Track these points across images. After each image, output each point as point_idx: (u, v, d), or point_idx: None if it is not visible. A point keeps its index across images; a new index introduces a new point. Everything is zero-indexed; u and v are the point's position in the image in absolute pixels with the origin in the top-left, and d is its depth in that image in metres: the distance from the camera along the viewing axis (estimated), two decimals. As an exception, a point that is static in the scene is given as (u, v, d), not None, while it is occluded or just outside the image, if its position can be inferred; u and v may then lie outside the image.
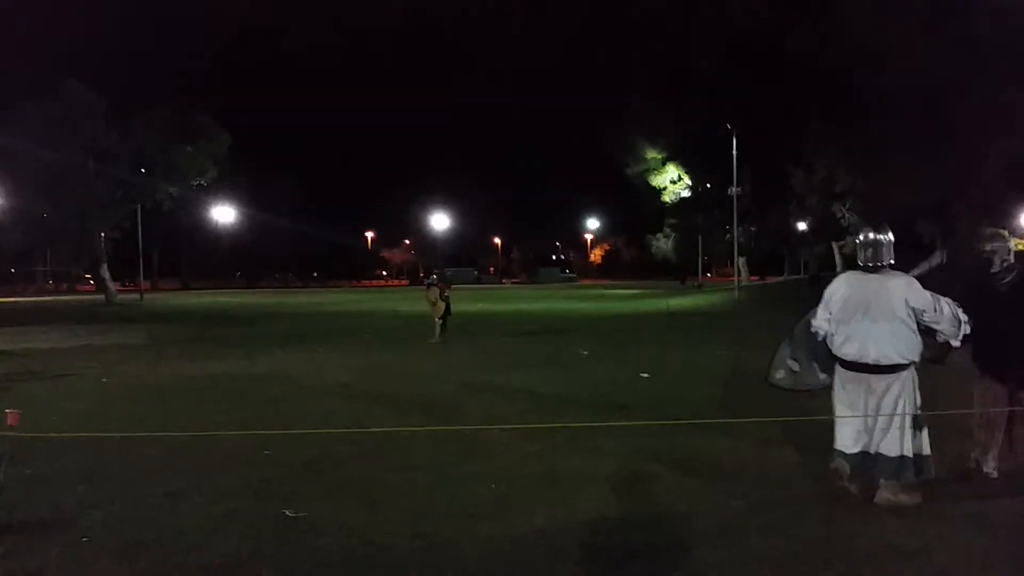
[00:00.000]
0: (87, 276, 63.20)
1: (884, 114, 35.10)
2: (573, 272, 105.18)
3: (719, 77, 50.86)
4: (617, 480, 5.68)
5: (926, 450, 4.86)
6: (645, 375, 11.33)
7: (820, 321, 5.16)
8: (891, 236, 5.02)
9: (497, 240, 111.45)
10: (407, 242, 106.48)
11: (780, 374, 5.42)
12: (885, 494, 4.85)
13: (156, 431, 7.47)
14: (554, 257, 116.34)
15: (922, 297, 4.83)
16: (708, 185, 57.60)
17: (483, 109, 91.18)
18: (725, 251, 56.57)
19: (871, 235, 5.03)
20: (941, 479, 5.11)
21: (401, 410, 8.70)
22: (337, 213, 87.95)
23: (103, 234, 43.37)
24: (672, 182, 60.82)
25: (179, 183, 44.43)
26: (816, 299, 5.31)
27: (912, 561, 4.05)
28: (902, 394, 4.83)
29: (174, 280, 79.53)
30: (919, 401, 4.94)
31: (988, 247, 5.44)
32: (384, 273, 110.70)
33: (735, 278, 44.91)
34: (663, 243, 66.49)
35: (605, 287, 67.12)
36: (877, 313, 4.81)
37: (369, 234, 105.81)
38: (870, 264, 5.01)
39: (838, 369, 5.09)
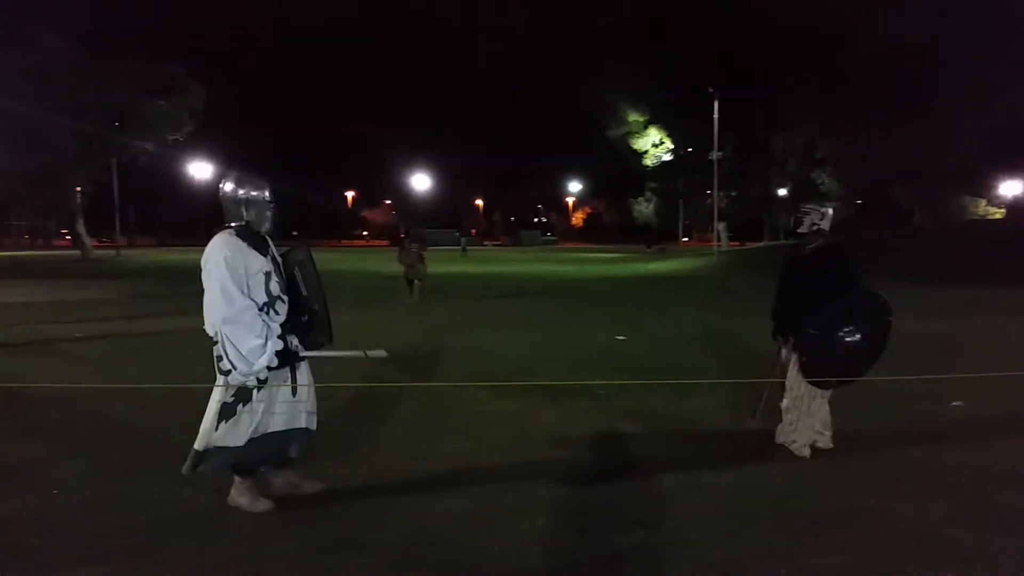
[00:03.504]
0: (63, 232, 62.31)
1: (861, 79, 35.02)
2: (554, 235, 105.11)
3: (696, 33, 50.22)
4: (591, 438, 5.75)
5: (219, 442, 4.17)
6: (621, 337, 11.40)
7: None
8: (254, 194, 4.27)
9: (479, 202, 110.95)
10: (388, 202, 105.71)
11: None
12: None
13: (130, 384, 7.43)
14: (536, 220, 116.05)
15: (206, 260, 4.12)
16: (690, 149, 57.65)
17: (460, 71, 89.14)
18: (706, 216, 56.69)
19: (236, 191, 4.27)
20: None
21: (376, 367, 8.69)
22: (317, 172, 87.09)
23: (78, 188, 42.47)
24: (654, 145, 60.79)
25: (153, 137, 43.68)
26: None
27: (871, 518, 4.16)
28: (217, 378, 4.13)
29: (152, 237, 78.62)
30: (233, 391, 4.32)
31: (803, 208, 5.43)
32: (365, 233, 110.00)
33: (715, 243, 45.03)
34: (644, 207, 66.63)
35: (586, 250, 67.16)
36: None
37: (350, 194, 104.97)
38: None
39: None
